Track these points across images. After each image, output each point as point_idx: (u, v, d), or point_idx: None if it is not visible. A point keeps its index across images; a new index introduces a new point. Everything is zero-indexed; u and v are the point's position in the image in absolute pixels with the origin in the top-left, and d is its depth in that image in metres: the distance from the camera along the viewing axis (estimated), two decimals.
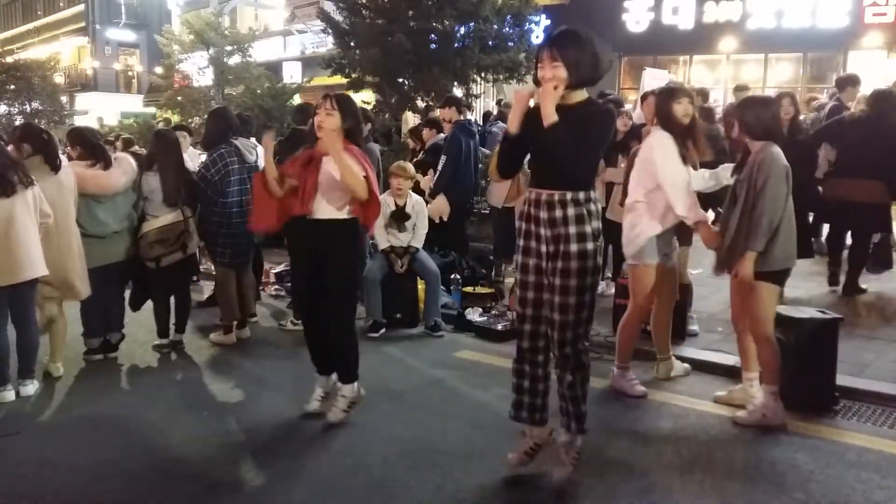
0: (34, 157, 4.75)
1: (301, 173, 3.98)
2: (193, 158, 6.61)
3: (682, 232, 4.52)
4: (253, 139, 6.11)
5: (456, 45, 11.08)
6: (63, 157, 5.40)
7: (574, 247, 3.18)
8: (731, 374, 4.62)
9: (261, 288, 7.21)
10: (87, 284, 4.96)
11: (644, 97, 6.44)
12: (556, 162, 3.20)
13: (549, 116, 3.06)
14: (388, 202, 5.88)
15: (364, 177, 3.90)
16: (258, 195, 4.14)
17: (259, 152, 6.20)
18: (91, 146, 5.19)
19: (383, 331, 5.81)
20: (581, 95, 3.23)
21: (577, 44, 3.14)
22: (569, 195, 3.19)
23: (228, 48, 17.75)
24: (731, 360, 4.61)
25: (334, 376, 4.24)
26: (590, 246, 3.20)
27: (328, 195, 3.96)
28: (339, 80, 13.25)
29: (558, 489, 3.37)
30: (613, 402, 4.40)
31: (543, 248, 3.27)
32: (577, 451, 3.42)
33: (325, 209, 3.97)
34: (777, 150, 3.88)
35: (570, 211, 3.19)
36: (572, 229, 3.18)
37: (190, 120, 16.14)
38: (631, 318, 4.56)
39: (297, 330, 5.98)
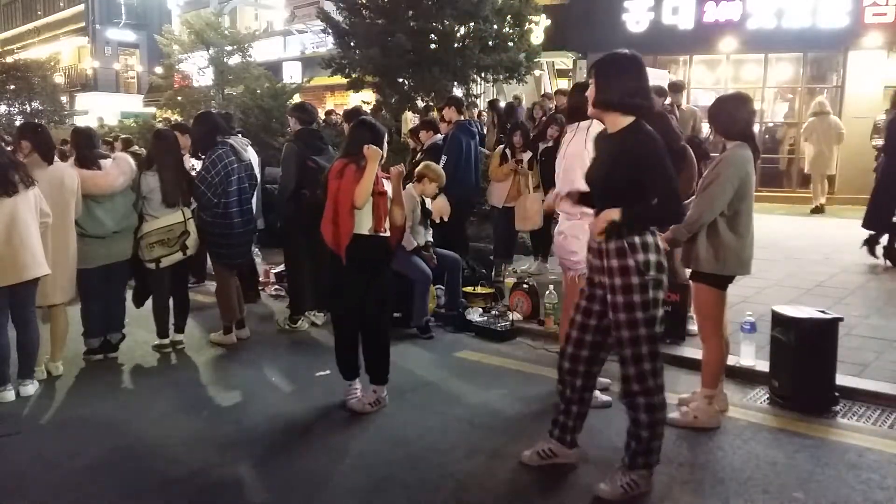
0: (33, 154, 4.77)
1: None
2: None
3: None
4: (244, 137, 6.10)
5: (456, 45, 11.06)
6: (70, 160, 5.39)
7: (618, 280, 3.09)
8: (730, 374, 4.61)
9: (261, 288, 7.22)
10: (74, 286, 4.99)
11: None
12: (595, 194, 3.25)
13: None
14: (418, 201, 5.93)
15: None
16: (344, 214, 4.12)
17: (252, 151, 6.19)
18: (83, 152, 5.15)
19: None
20: (624, 121, 3.12)
21: (609, 64, 3.19)
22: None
23: (228, 48, 17.71)
24: (731, 360, 4.60)
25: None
26: (634, 280, 3.06)
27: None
28: (339, 80, 13.25)
29: (558, 489, 3.37)
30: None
31: (595, 278, 3.26)
32: (631, 481, 3.21)
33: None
34: (742, 153, 3.82)
35: (611, 245, 3.11)
36: (614, 262, 3.10)
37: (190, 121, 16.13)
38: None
39: (296, 330, 5.99)
